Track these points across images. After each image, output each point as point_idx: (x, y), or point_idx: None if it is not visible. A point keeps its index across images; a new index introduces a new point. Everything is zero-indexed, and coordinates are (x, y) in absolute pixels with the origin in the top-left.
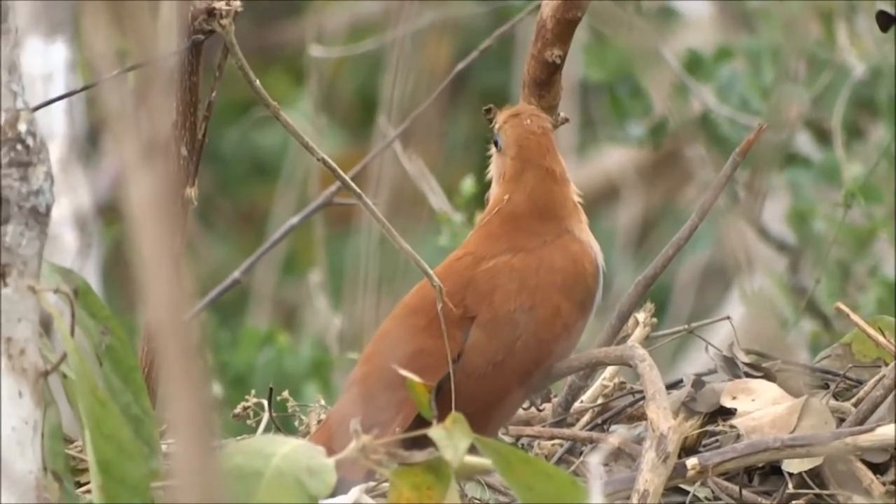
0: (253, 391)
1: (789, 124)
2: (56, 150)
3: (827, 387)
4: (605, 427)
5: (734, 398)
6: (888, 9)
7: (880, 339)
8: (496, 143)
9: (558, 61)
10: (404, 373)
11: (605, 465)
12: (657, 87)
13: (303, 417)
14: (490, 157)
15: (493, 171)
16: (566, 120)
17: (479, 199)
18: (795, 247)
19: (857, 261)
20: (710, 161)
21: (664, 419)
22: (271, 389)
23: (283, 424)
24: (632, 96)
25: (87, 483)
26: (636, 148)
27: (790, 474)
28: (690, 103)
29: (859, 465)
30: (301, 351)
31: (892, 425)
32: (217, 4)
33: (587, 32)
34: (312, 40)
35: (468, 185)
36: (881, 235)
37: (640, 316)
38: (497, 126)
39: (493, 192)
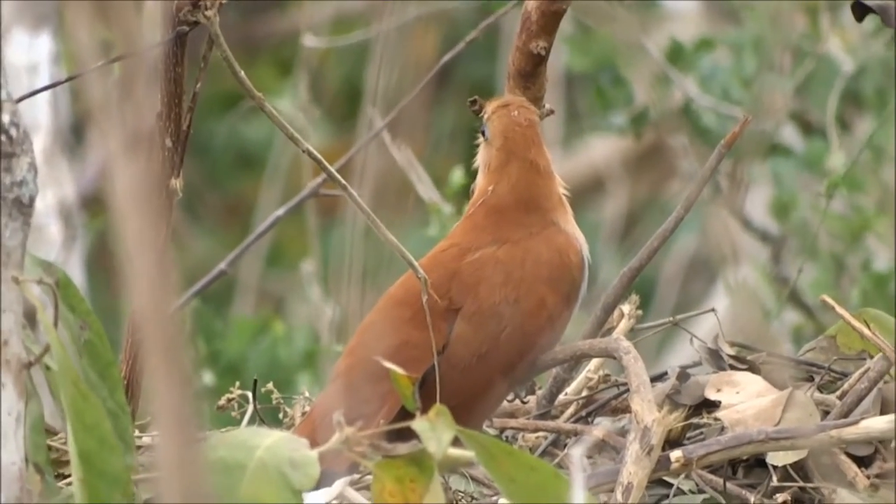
0: (238, 383)
1: (772, 114)
2: (40, 141)
3: (811, 379)
4: (589, 419)
5: (718, 391)
6: None
7: (865, 331)
8: (483, 133)
9: (543, 53)
10: (388, 365)
11: (589, 457)
12: (640, 77)
13: (287, 410)
14: (477, 145)
15: (480, 160)
16: (551, 111)
17: (468, 191)
18: (778, 237)
19: (850, 254)
20: (692, 151)
21: (648, 411)
22: (255, 381)
23: (268, 416)
24: (614, 86)
25: (70, 476)
26: (618, 137)
27: (774, 467)
28: (673, 93)
29: (844, 457)
30: (295, 340)
31: (877, 418)
32: None
33: (572, 24)
34: (304, 31)
35: (457, 175)
36: (874, 229)
37: (625, 308)
38: (485, 115)
39: (479, 181)
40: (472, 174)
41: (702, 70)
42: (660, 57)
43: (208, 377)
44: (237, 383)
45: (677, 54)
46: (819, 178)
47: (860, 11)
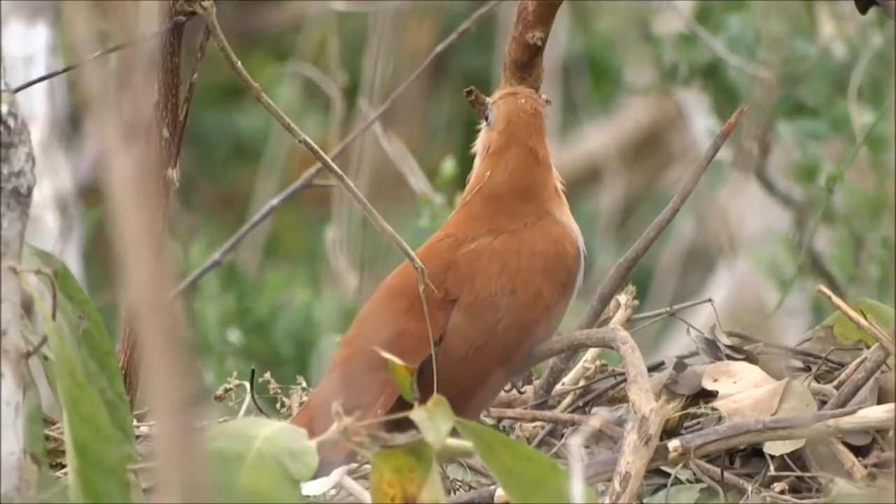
0: (235, 373)
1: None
2: (37, 132)
3: (809, 369)
4: (586, 409)
5: (716, 380)
6: None
7: (862, 321)
8: (487, 118)
9: (539, 43)
10: (386, 355)
11: (587, 447)
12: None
13: (285, 400)
14: (477, 132)
15: (479, 145)
16: (548, 101)
17: (460, 181)
18: (801, 202)
19: (871, 231)
20: (715, 111)
21: (646, 401)
22: (253, 371)
23: (266, 406)
24: (645, 42)
25: (66, 466)
26: (644, 94)
27: (772, 457)
28: (700, 52)
29: (841, 447)
30: (324, 302)
31: (874, 408)
32: None
33: (568, 14)
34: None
35: (449, 166)
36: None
37: (622, 298)
38: (491, 101)
39: (476, 166)
40: (466, 163)
41: (730, 31)
42: (688, 16)
43: (235, 336)
44: (234, 373)
45: (706, 15)
46: (845, 139)
47: (863, 4)
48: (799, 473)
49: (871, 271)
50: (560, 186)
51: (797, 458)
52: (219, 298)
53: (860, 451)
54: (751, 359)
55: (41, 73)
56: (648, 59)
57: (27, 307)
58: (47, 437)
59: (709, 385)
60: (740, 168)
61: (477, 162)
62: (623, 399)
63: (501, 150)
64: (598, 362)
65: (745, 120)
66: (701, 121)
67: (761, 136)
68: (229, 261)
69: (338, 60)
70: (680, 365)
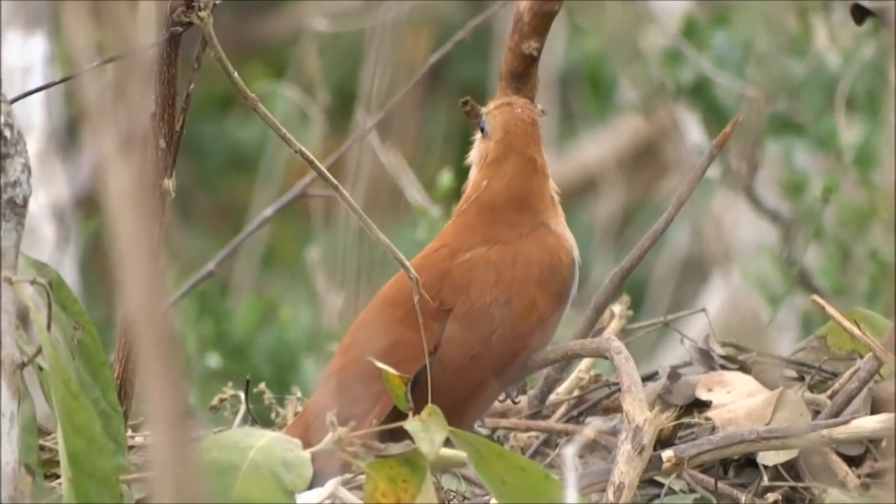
0: (230, 384)
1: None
2: (34, 142)
3: (802, 379)
4: (580, 419)
5: (710, 390)
6: (863, 1)
7: (855, 331)
8: (482, 129)
9: (535, 54)
10: (381, 365)
11: (581, 457)
12: (653, 55)
13: (280, 410)
14: (472, 143)
15: (474, 155)
16: (544, 112)
17: (457, 193)
18: (789, 218)
19: (857, 242)
20: (704, 131)
21: (640, 411)
22: (248, 382)
23: (260, 417)
24: (630, 62)
25: (60, 476)
26: (629, 114)
27: (765, 467)
28: (686, 71)
29: (834, 457)
30: (301, 322)
31: (868, 418)
32: None
33: (564, 25)
34: (305, 18)
35: (446, 178)
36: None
37: (616, 308)
38: (486, 111)
39: (472, 176)
40: (462, 174)
41: (716, 48)
42: (673, 34)
43: (215, 360)
44: (230, 384)
45: (692, 30)
46: (831, 154)
47: (859, 14)
48: (792, 484)
49: (859, 284)
50: (556, 196)
51: (791, 468)
52: (196, 323)
53: (854, 462)
54: (745, 369)
55: (38, 83)
56: (635, 76)
57: (23, 318)
58: (42, 448)
59: (703, 395)
60: (729, 186)
61: (473, 172)
62: (617, 409)
63: (499, 159)
64: (592, 372)
65: (733, 138)
66: (697, 132)
67: (749, 154)
68: (201, 290)
69: (321, 80)
70: (674, 375)
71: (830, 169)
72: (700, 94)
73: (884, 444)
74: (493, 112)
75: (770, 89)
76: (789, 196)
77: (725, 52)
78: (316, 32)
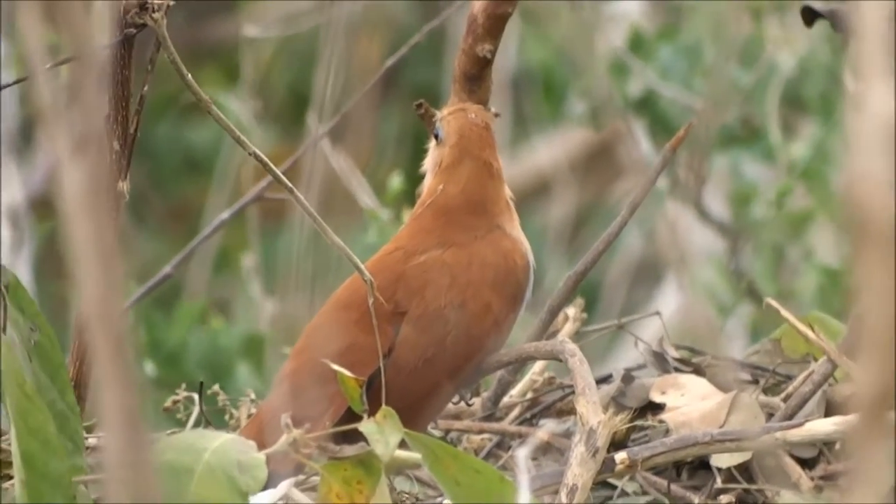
0: (184, 385)
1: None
2: None
3: (756, 382)
4: (534, 421)
5: (663, 393)
6: (814, 3)
7: (810, 334)
8: (436, 136)
9: (489, 56)
10: (335, 367)
11: (534, 459)
12: (598, 68)
13: (233, 411)
14: (426, 150)
15: (429, 162)
16: (497, 115)
17: (408, 196)
18: (736, 229)
19: (792, 244)
20: (651, 142)
21: (593, 414)
22: (202, 383)
23: (214, 418)
24: (574, 76)
25: (13, 477)
26: (577, 127)
27: (719, 469)
28: (633, 82)
29: (788, 459)
30: (234, 330)
31: (822, 420)
32: None
33: (518, 27)
34: (246, 24)
35: (396, 182)
36: (817, 220)
37: (571, 311)
38: (439, 118)
39: (427, 182)
40: (414, 178)
41: (662, 61)
42: (620, 47)
43: (149, 367)
44: (183, 385)
45: (638, 44)
46: (775, 168)
47: (809, 16)
48: (746, 486)
49: (796, 286)
50: (511, 200)
51: (744, 470)
52: (131, 333)
53: (807, 464)
54: (698, 371)
55: None
56: (582, 89)
57: None
58: None
59: (656, 397)
60: (677, 198)
61: (428, 178)
62: (571, 411)
63: (454, 163)
64: (545, 374)
65: (681, 149)
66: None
67: (697, 166)
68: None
69: (263, 85)
70: (628, 377)
71: (778, 180)
72: (647, 106)
73: (837, 446)
74: (447, 118)
75: (718, 101)
76: (737, 208)
77: (671, 63)
78: (252, 39)
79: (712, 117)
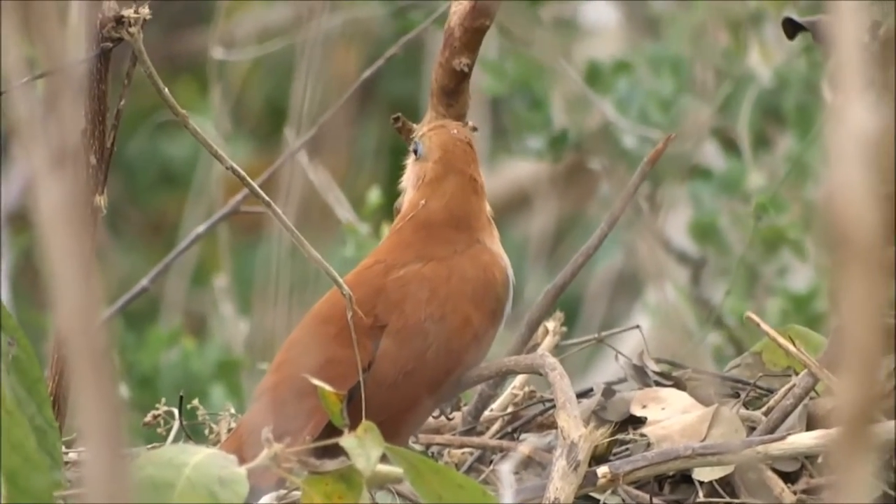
0: (164, 399)
1: (692, 135)
2: None
3: (737, 395)
4: (515, 436)
5: (644, 407)
6: (795, 16)
7: (791, 347)
8: (415, 152)
9: (466, 70)
10: (315, 381)
11: (516, 473)
12: (558, 99)
13: (213, 426)
14: (404, 165)
15: (409, 178)
16: (475, 129)
17: (386, 210)
18: (697, 259)
19: (765, 264)
20: (612, 173)
21: (575, 427)
22: (181, 398)
23: (193, 432)
24: (531, 108)
25: None
26: (536, 161)
27: (701, 483)
28: (591, 115)
29: (770, 473)
30: (207, 353)
31: (803, 434)
32: (125, 12)
33: (496, 42)
34: (217, 44)
35: (374, 196)
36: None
37: (550, 325)
38: (419, 134)
39: (409, 197)
40: (391, 192)
41: (619, 92)
42: (578, 79)
43: (123, 390)
44: (162, 400)
45: (595, 76)
46: (739, 199)
47: (791, 29)
48: (728, 500)
49: (769, 306)
50: (490, 216)
51: (726, 484)
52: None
53: (789, 478)
54: (679, 385)
55: None
56: (536, 123)
57: None
58: None
59: (637, 411)
60: (636, 231)
61: (409, 194)
62: (552, 425)
63: (438, 178)
64: (526, 388)
65: (638, 180)
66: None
67: (652, 197)
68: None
69: (220, 109)
70: (608, 391)
71: (736, 209)
72: (605, 139)
73: (819, 460)
74: (429, 134)
75: (674, 133)
76: (697, 237)
77: (627, 95)
78: (217, 60)
79: (673, 148)
